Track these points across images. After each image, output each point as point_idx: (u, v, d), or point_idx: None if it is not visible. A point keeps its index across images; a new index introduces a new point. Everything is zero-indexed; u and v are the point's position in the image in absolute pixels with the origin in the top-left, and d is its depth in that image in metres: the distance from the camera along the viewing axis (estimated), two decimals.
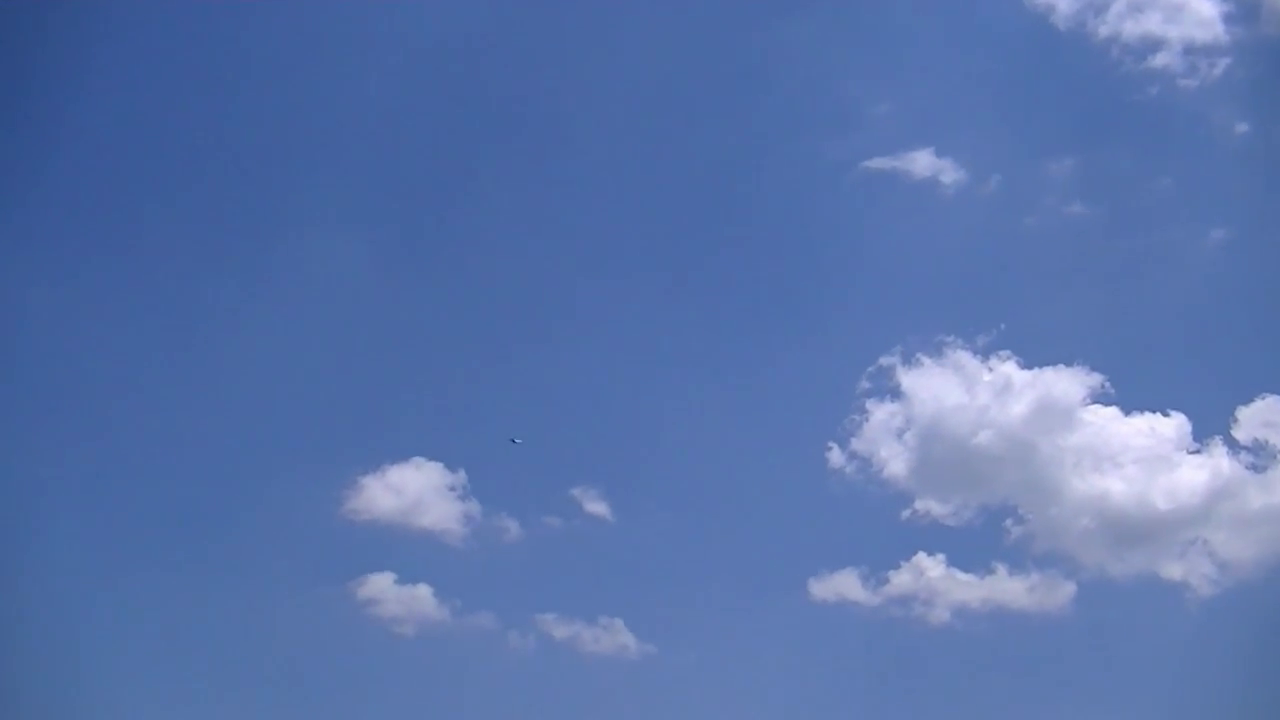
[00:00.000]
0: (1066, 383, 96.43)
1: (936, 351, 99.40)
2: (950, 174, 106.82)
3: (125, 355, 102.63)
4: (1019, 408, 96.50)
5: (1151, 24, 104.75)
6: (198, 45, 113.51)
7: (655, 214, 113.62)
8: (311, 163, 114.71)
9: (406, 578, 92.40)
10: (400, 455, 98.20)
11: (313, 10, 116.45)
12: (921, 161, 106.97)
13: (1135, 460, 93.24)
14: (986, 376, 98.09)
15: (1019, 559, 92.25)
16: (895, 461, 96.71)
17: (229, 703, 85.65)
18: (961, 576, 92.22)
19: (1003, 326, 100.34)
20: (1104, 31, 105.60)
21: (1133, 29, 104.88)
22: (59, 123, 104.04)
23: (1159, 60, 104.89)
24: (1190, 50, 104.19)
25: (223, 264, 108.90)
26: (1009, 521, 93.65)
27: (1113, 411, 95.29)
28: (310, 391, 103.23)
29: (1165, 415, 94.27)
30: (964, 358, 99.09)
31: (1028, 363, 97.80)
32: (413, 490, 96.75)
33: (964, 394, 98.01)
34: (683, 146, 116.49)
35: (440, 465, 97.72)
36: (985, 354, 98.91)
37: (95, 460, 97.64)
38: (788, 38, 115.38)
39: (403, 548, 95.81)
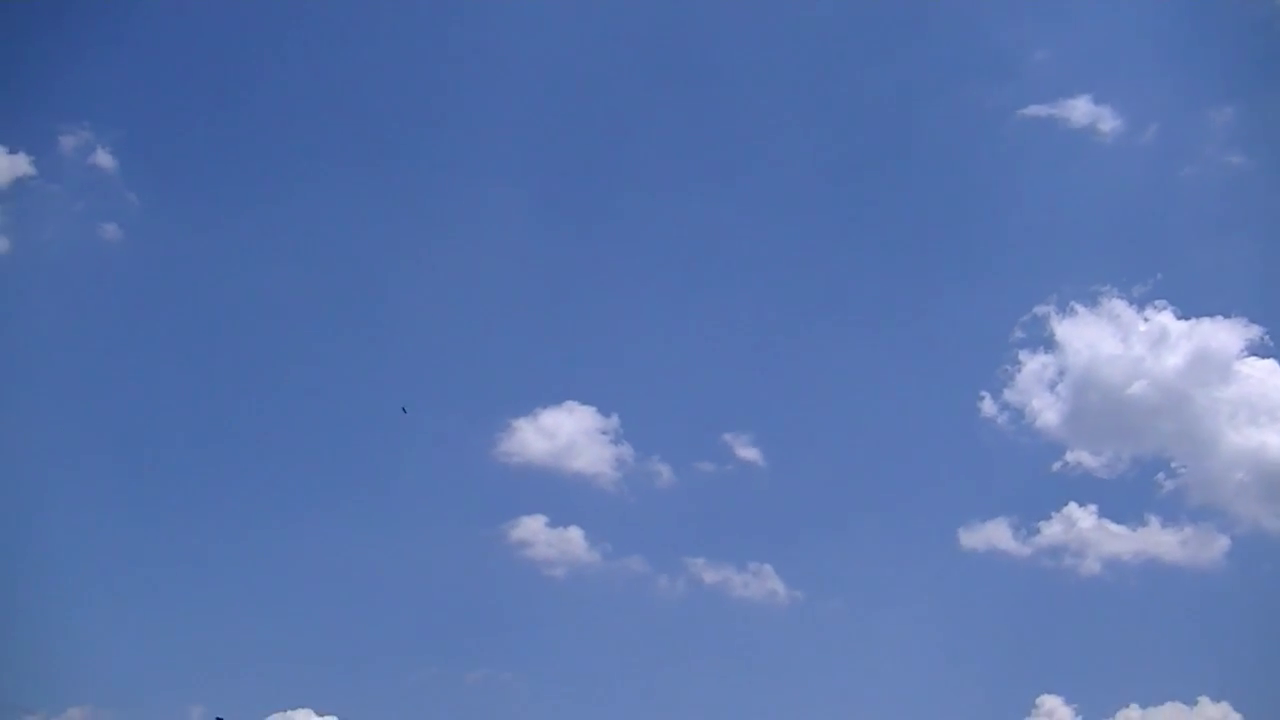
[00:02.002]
0: (1224, 334, 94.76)
1: (1091, 301, 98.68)
2: (1108, 122, 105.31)
3: (287, 299, 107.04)
4: (1175, 359, 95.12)
5: None
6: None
7: (813, 161, 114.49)
8: (472, 112, 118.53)
9: (558, 520, 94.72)
10: (553, 399, 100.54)
11: None
12: (1080, 109, 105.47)
13: None
14: (1142, 327, 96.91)
15: (1172, 512, 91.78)
16: (1048, 412, 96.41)
17: (385, 640, 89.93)
18: (1113, 528, 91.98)
19: (1159, 276, 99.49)
20: None
21: None
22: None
23: None
24: None
25: (385, 211, 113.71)
26: (1162, 474, 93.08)
27: (1270, 364, 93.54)
28: (465, 335, 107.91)
29: None
30: (1119, 307, 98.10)
31: (1184, 313, 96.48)
32: (565, 434, 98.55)
33: (1119, 344, 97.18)
34: (841, 94, 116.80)
35: (593, 409, 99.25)
36: (1141, 304, 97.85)
37: (259, 405, 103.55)
38: None
39: (555, 491, 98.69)
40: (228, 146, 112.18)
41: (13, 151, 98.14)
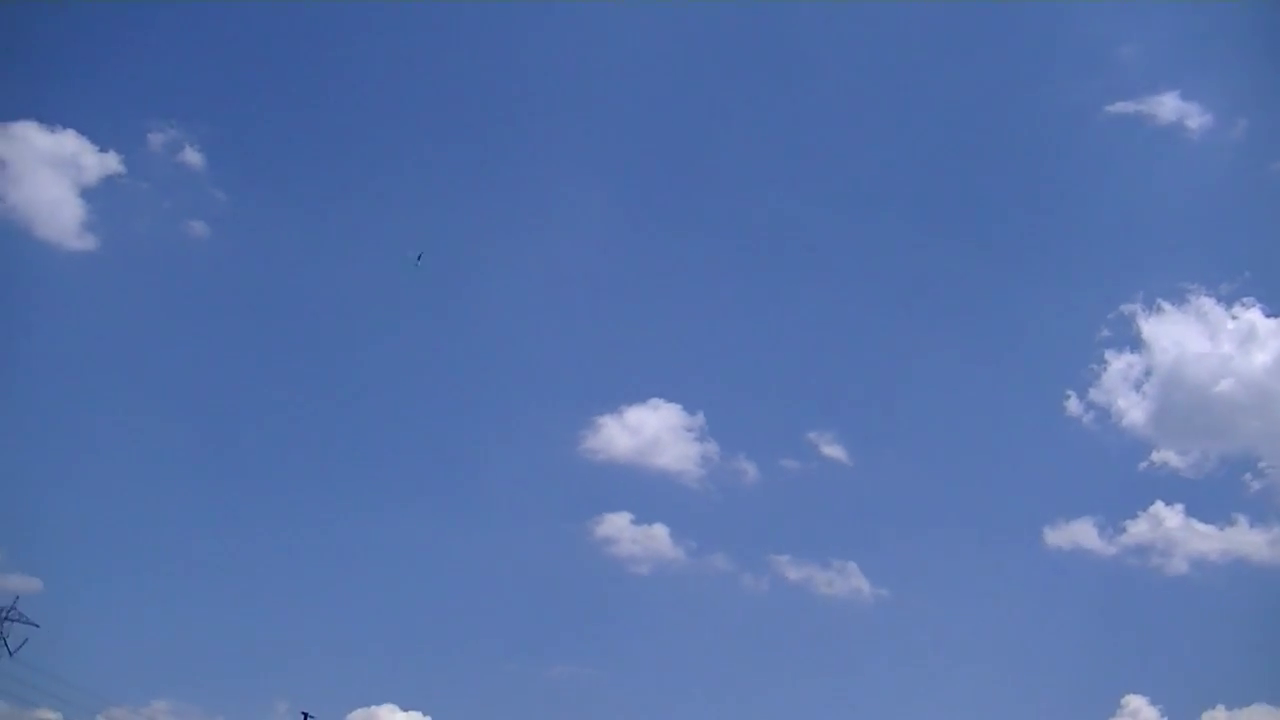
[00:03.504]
0: None
1: (1179, 298, 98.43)
2: (1196, 118, 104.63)
3: (374, 296, 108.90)
4: (1263, 356, 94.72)
5: None
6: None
7: (898, 159, 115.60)
8: (559, 110, 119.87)
9: (643, 517, 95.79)
10: (638, 396, 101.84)
11: None
12: (1167, 105, 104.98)
13: None
14: (1230, 324, 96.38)
15: (1261, 511, 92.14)
16: (1134, 411, 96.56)
17: (469, 636, 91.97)
18: (1200, 528, 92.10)
19: (1248, 274, 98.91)
20: None
21: None
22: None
23: None
24: None
25: (472, 208, 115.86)
26: (1250, 473, 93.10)
27: None
28: (551, 332, 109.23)
29: None
30: (1207, 305, 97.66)
31: (1273, 310, 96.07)
32: (650, 431, 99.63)
33: (1206, 342, 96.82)
34: (927, 91, 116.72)
35: (678, 407, 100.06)
36: (1229, 301, 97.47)
37: (348, 401, 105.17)
38: None
39: (640, 488, 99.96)
40: (315, 143, 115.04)
41: (102, 149, 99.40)
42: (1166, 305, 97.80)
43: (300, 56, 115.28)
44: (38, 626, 76.34)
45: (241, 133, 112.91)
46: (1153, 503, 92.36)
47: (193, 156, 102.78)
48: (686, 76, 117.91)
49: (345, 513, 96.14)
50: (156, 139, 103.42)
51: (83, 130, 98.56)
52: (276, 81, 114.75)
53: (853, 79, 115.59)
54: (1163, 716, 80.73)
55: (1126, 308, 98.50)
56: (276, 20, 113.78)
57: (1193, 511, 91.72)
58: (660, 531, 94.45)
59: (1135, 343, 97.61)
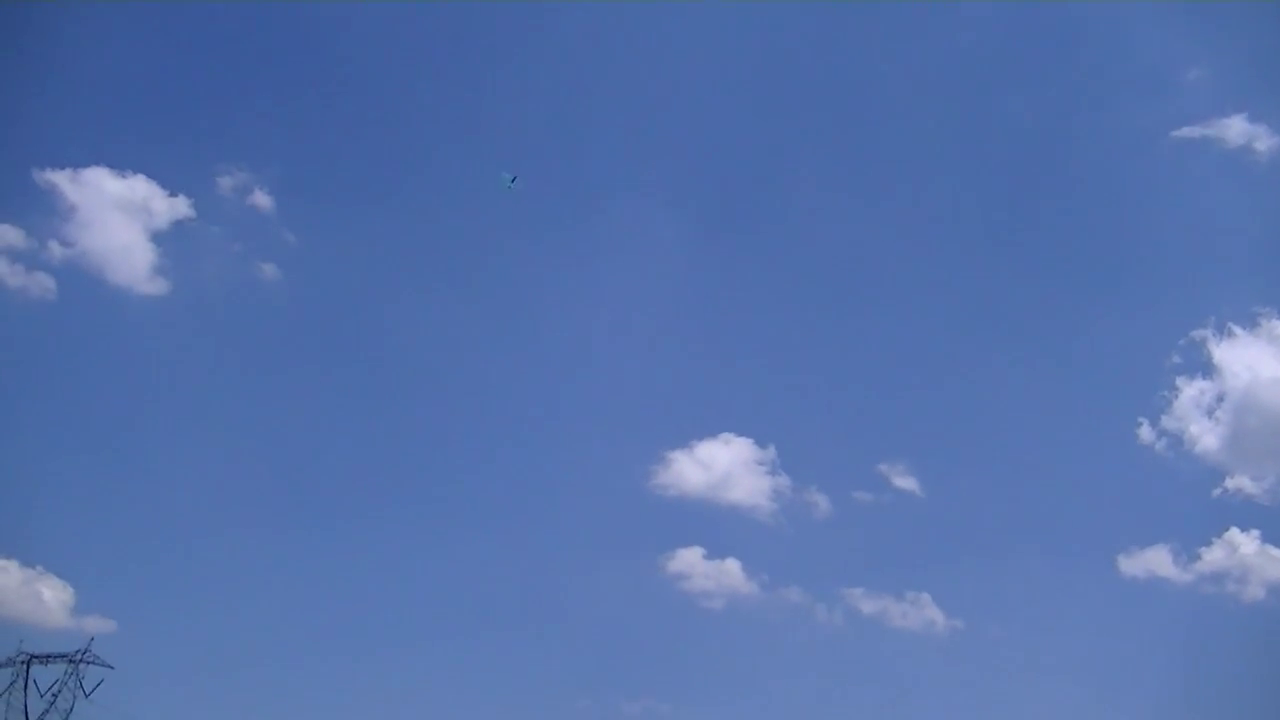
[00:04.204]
0: None
1: (1250, 322, 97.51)
2: (1265, 141, 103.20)
3: (445, 334, 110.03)
4: None
5: None
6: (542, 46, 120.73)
7: (966, 185, 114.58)
8: (629, 142, 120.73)
9: (715, 552, 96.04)
10: (709, 431, 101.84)
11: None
12: (1234, 129, 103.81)
13: None
14: None
15: None
16: (1207, 437, 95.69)
17: (544, 671, 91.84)
18: (1277, 553, 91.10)
19: None
20: None
21: None
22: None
23: None
24: None
25: (540, 245, 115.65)
26: None
27: None
28: (622, 368, 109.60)
29: None
30: (1279, 328, 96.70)
31: None
32: (722, 465, 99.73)
33: (1279, 365, 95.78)
34: (995, 117, 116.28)
35: (749, 441, 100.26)
36: None
37: (419, 439, 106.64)
38: (1096, 2, 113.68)
39: (712, 522, 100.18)
40: (383, 183, 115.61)
41: (172, 194, 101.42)
42: (1238, 329, 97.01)
43: (368, 99, 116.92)
44: (112, 668, 79.13)
45: (310, 174, 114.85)
46: (1227, 529, 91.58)
47: (262, 199, 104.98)
48: (756, 109, 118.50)
49: (420, 551, 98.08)
50: (226, 182, 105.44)
51: (152, 175, 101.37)
52: (344, 123, 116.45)
53: (919, 108, 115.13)
54: None
55: (1197, 333, 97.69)
56: (345, 64, 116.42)
57: (1269, 537, 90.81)
58: (733, 566, 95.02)
59: (1207, 368, 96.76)
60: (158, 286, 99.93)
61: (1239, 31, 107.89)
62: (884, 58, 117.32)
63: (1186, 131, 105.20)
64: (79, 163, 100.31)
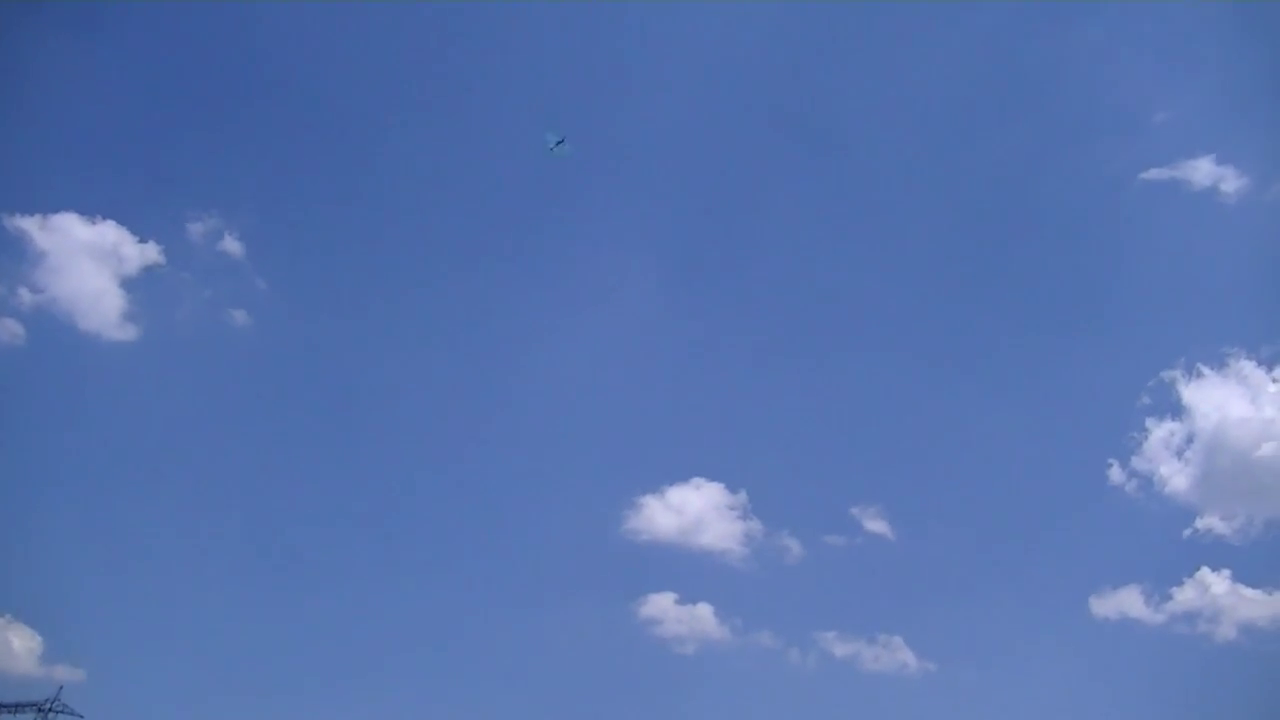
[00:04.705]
0: None
1: (1219, 363, 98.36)
2: (1232, 182, 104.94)
3: (417, 382, 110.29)
4: None
5: None
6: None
7: (938, 229, 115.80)
8: (600, 191, 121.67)
9: (688, 597, 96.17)
10: (680, 476, 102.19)
11: (599, 50, 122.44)
12: (1202, 170, 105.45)
13: None
14: (1271, 387, 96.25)
15: None
16: (1177, 478, 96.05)
17: (520, 714, 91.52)
18: (1248, 592, 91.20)
19: None
20: None
21: None
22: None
23: None
24: None
25: (511, 292, 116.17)
26: None
27: None
28: (594, 413, 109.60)
29: None
30: (1248, 368, 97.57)
31: None
32: (693, 510, 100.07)
33: (1248, 405, 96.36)
34: (966, 162, 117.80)
35: (721, 485, 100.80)
36: (1271, 364, 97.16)
37: (390, 487, 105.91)
38: (1066, 47, 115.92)
39: (684, 567, 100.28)
40: (355, 231, 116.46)
41: (142, 240, 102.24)
42: (1207, 370, 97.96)
43: (338, 146, 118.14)
44: (82, 718, 78.63)
45: (280, 221, 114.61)
46: (1199, 569, 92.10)
47: (232, 245, 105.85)
48: (732, 153, 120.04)
49: (389, 597, 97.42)
50: (196, 228, 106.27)
51: (123, 221, 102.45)
52: (315, 169, 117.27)
53: (893, 152, 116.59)
54: None
55: (1167, 374, 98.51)
56: (314, 110, 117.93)
57: (1239, 576, 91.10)
58: (705, 611, 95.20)
59: (1176, 409, 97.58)
60: (127, 333, 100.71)
61: (1206, 75, 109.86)
62: (858, 104, 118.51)
63: (1155, 173, 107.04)
64: (49, 208, 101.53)
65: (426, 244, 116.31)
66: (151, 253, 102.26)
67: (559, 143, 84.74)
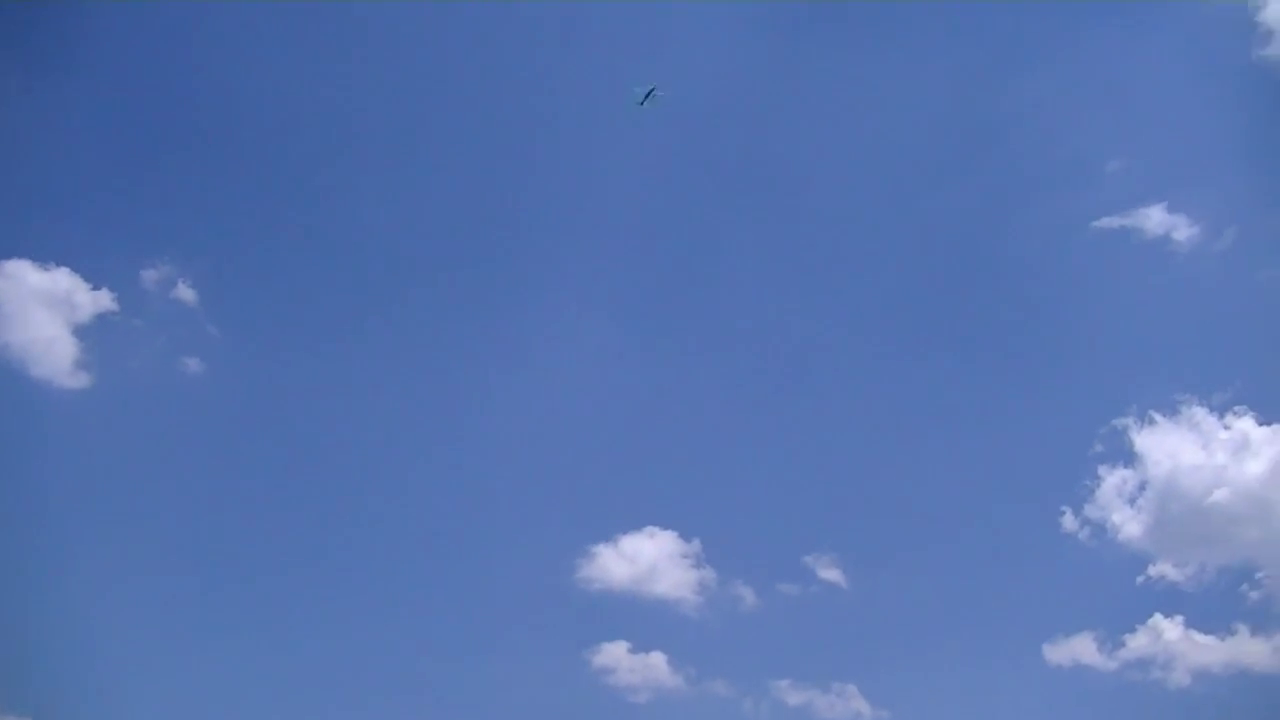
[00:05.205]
0: None
1: (1171, 410, 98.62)
2: (1183, 230, 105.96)
3: (369, 430, 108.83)
4: (1258, 465, 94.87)
5: None
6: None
7: (889, 277, 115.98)
8: (552, 237, 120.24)
9: (641, 645, 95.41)
10: (633, 524, 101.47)
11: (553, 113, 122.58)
12: (1154, 218, 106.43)
13: None
14: (1223, 434, 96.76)
15: (1261, 620, 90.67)
16: (1130, 525, 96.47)
17: None
18: (1201, 639, 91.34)
19: (1239, 383, 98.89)
20: None
21: None
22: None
23: None
24: None
25: (464, 338, 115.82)
26: (1248, 583, 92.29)
27: None
28: (544, 460, 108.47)
29: None
30: (1200, 415, 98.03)
31: (1266, 418, 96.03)
32: (647, 558, 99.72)
33: (1200, 452, 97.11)
34: (916, 210, 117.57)
35: (674, 533, 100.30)
36: (1221, 411, 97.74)
37: (343, 536, 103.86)
38: (1020, 97, 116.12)
39: (637, 615, 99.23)
40: (308, 279, 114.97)
41: (95, 287, 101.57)
42: (1159, 417, 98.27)
43: (291, 192, 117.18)
44: None
45: (235, 268, 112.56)
46: (1151, 615, 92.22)
47: (185, 293, 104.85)
48: (681, 201, 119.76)
49: (336, 646, 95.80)
50: (149, 275, 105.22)
51: (76, 268, 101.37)
52: (269, 216, 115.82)
53: (845, 201, 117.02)
54: None
55: (1119, 421, 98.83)
56: (268, 157, 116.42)
57: (1192, 623, 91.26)
58: (658, 659, 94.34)
59: (1129, 456, 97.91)
60: (80, 380, 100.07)
61: (1158, 123, 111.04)
62: (811, 154, 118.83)
63: (1107, 222, 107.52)
64: (1, 256, 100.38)
65: (380, 292, 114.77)
66: (104, 300, 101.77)
67: (650, 93, 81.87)
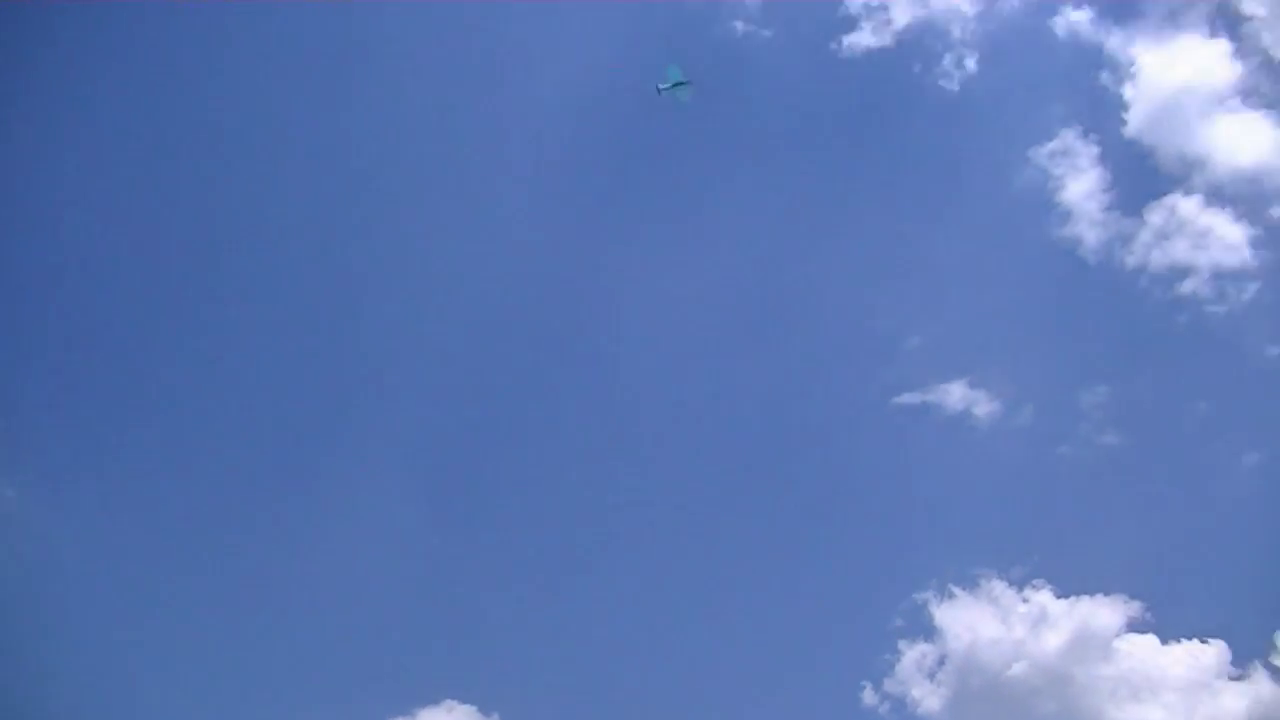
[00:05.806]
0: (1103, 611, 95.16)
1: (971, 584, 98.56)
2: (984, 406, 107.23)
3: (165, 598, 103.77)
4: (1055, 638, 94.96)
5: (1179, 252, 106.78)
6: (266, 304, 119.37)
7: (685, 450, 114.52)
8: (350, 400, 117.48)
9: None
10: (431, 698, 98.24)
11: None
12: (955, 394, 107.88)
13: (1175, 689, 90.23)
14: (1022, 608, 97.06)
15: None
16: (929, 699, 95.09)
17: None
18: None
19: (1037, 557, 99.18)
20: (1132, 261, 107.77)
21: (1160, 258, 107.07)
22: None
23: (1187, 287, 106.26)
24: (1218, 275, 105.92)
25: (275, 502, 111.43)
26: None
27: (1151, 640, 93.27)
28: (338, 631, 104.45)
29: (1204, 642, 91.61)
30: (999, 589, 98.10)
31: (1063, 592, 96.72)
32: None
33: (999, 626, 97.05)
34: (714, 385, 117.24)
35: (473, 708, 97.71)
36: (1020, 584, 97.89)
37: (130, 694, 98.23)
38: (819, 273, 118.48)
39: None
40: (100, 439, 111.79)
41: None
42: (959, 591, 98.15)
43: (89, 346, 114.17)
44: None
45: (28, 427, 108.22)
46: None
47: None
48: (472, 369, 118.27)
49: None
50: None
51: None
52: (62, 373, 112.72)
53: (644, 374, 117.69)
54: None
55: (919, 596, 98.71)
56: (64, 312, 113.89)
57: None
58: None
59: (929, 631, 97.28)
60: None
61: (958, 300, 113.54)
62: (615, 328, 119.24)
63: (908, 398, 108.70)
64: None
65: (184, 466, 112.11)
66: None
67: (678, 84, 78.31)
